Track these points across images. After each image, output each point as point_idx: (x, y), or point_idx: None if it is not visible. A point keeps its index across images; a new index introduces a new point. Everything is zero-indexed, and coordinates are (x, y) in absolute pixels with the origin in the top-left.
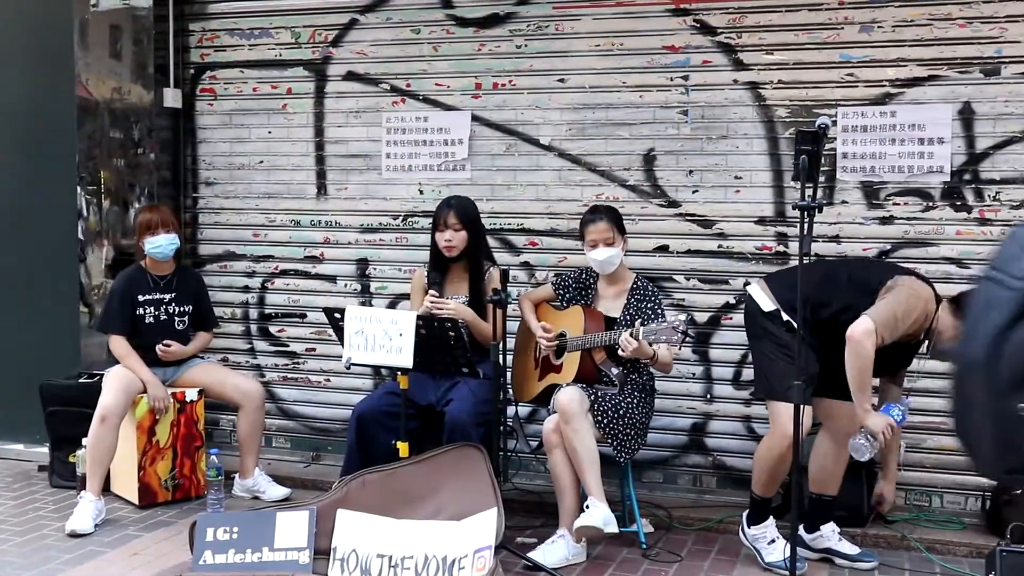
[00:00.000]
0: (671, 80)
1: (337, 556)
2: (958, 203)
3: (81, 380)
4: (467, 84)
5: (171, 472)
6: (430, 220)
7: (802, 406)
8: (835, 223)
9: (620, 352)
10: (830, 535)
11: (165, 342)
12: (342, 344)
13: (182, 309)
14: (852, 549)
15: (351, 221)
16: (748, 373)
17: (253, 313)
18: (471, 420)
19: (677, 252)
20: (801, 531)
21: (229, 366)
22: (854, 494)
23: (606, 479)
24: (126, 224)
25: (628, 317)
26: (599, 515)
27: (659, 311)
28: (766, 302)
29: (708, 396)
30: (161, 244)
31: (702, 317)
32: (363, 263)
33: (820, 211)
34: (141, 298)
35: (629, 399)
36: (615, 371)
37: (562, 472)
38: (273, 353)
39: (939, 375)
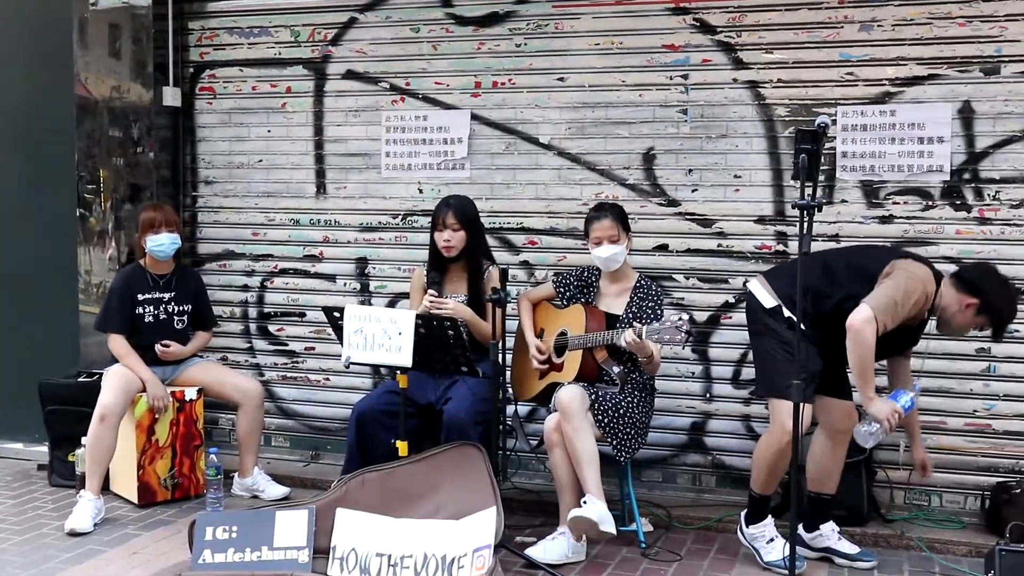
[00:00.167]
0: (671, 79)
1: (336, 555)
2: (958, 202)
3: (80, 379)
4: (466, 83)
5: (170, 471)
6: (429, 219)
7: (802, 404)
8: (835, 222)
9: (623, 344)
10: (829, 534)
11: (164, 342)
12: (341, 343)
13: (181, 308)
14: (851, 548)
15: (350, 220)
16: (747, 372)
17: (252, 312)
18: (469, 419)
19: (676, 251)
20: (800, 530)
21: (228, 365)
22: (854, 493)
23: (605, 478)
24: (125, 223)
25: (630, 316)
26: (595, 510)
27: (659, 312)
28: (767, 298)
29: (707, 395)
30: (163, 243)
31: (701, 316)
32: (362, 262)
33: (820, 210)
34: (140, 297)
35: (629, 398)
36: (616, 370)
37: (563, 471)
38: (272, 352)
39: (939, 375)
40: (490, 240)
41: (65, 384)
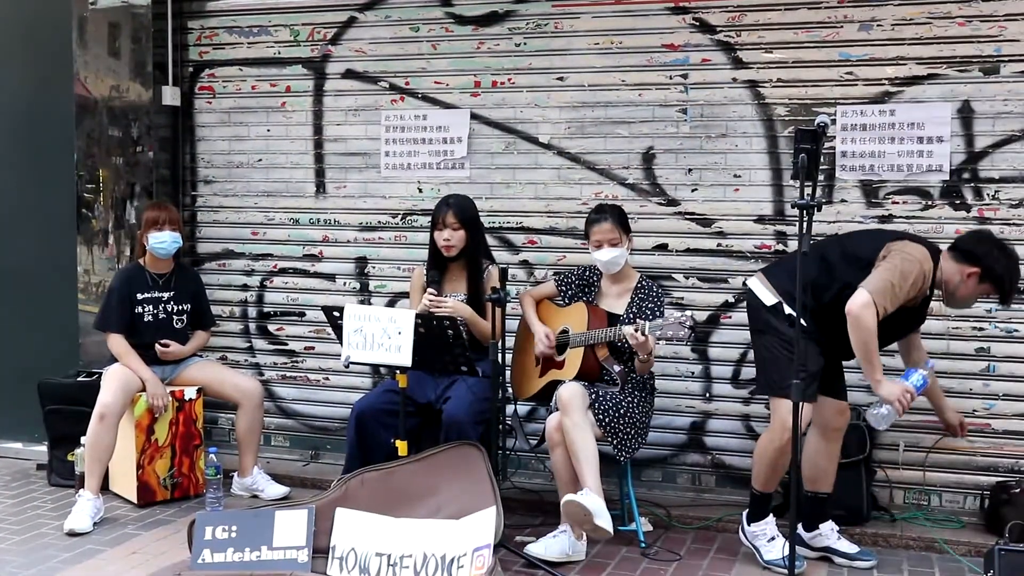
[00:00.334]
0: (670, 78)
1: (336, 555)
2: (957, 202)
3: (80, 378)
4: (466, 82)
5: (170, 471)
6: (429, 218)
7: (801, 403)
8: (834, 222)
9: (627, 338)
10: (829, 533)
11: (164, 341)
12: (341, 343)
13: (180, 308)
14: (851, 548)
15: (350, 219)
16: (747, 372)
17: (252, 312)
18: (468, 418)
19: (676, 251)
20: (800, 530)
21: (228, 364)
22: (853, 493)
23: (605, 477)
24: (125, 222)
25: (631, 316)
26: (590, 500)
27: (660, 312)
28: (768, 296)
29: (707, 395)
30: (165, 241)
31: (701, 316)
32: (362, 261)
33: (819, 210)
34: (140, 296)
35: (630, 398)
36: (617, 369)
37: (563, 470)
38: (272, 352)
39: (939, 374)
40: (490, 239)
41: (64, 383)
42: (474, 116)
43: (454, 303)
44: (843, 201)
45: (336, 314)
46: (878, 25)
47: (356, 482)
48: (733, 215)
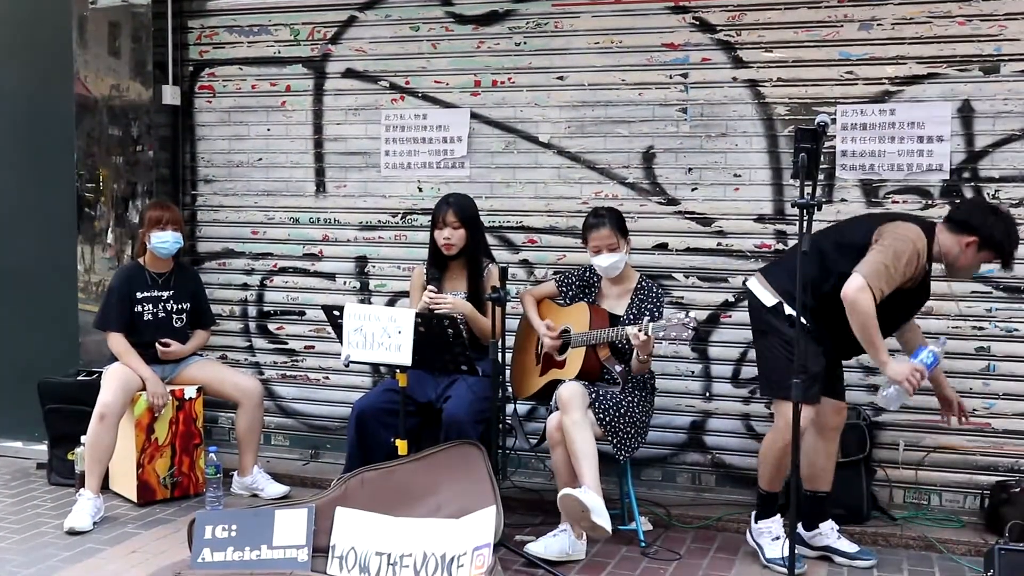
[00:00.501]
0: (670, 78)
1: (336, 554)
2: (957, 201)
3: (80, 378)
4: (466, 81)
5: (170, 470)
6: (429, 217)
7: (803, 403)
8: (834, 221)
9: (633, 342)
10: (828, 533)
11: (164, 340)
12: (341, 342)
13: (180, 307)
14: (851, 547)
15: (350, 219)
16: (747, 371)
17: (252, 311)
18: (468, 418)
19: (676, 250)
20: (800, 529)
21: (228, 364)
22: (853, 492)
23: (605, 477)
24: (125, 221)
25: (632, 316)
26: (588, 497)
27: (659, 312)
28: (767, 297)
29: (707, 394)
30: (167, 240)
31: (701, 315)
32: (362, 261)
33: (819, 209)
34: (139, 295)
35: (630, 397)
36: (619, 368)
37: (564, 469)
38: (272, 351)
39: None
40: (490, 239)
41: (64, 383)
42: (474, 115)
43: (454, 300)
44: (843, 200)
45: (336, 313)
46: (878, 24)
47: (356, 481)
48: (733, 214)
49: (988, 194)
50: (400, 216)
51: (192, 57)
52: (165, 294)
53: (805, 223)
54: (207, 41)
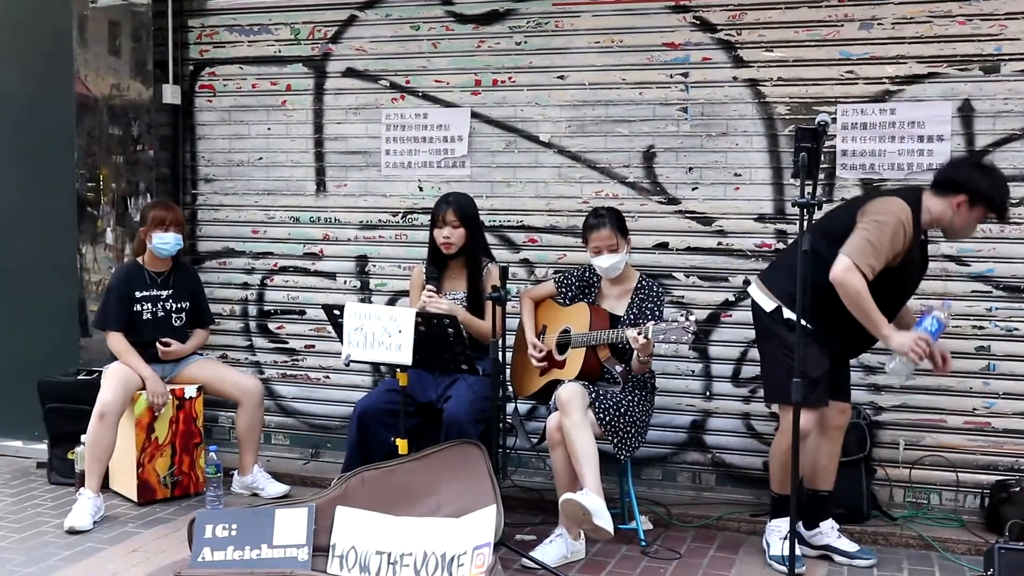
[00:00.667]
0: (671, 77)
1: (336, 553)
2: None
3: (80, 377)
4: (466, 81)
5: (170, 469)
6: (429, 217)
7: (805, 405)
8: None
9: (633, 345)
10: (829, 532)
11: (164, 340)
12: (341, 341)
13: (179, 306)
14: (851, 547)
15: (350, 218)
16: (747, 371)
17: (252, 310)
18: (469, 417)
19: (676, 249)
20: (800, 528)
21: (228, 363)
22: (853, 491)
23: (605, 476)
24: (126, 221)
25: (632, 316)
26: (589, 500)
27: (659, 312)
28: (766, 301)
29: (707, 393)
30: (168, 242)
31: (702, 314)
32: (362, 260)
33: (820, 208)
34: (138, 294)
35: (630, 397)
36: (619, 369)
37: (563, 469)
38: (272, 350)
39: (938, 373)
40: (490, 238)
41: (64, 382)
42: (474, 115)
43: (449, 304)
44: (844, 200)
45: (336, 312)
46: (878, 24)
47: (356, 480)
48: (733, 214)
49: None
50: (400, 215)
51: (192, 56)
52: (164, 293)
53: (805, 222)
54: (207, 40)
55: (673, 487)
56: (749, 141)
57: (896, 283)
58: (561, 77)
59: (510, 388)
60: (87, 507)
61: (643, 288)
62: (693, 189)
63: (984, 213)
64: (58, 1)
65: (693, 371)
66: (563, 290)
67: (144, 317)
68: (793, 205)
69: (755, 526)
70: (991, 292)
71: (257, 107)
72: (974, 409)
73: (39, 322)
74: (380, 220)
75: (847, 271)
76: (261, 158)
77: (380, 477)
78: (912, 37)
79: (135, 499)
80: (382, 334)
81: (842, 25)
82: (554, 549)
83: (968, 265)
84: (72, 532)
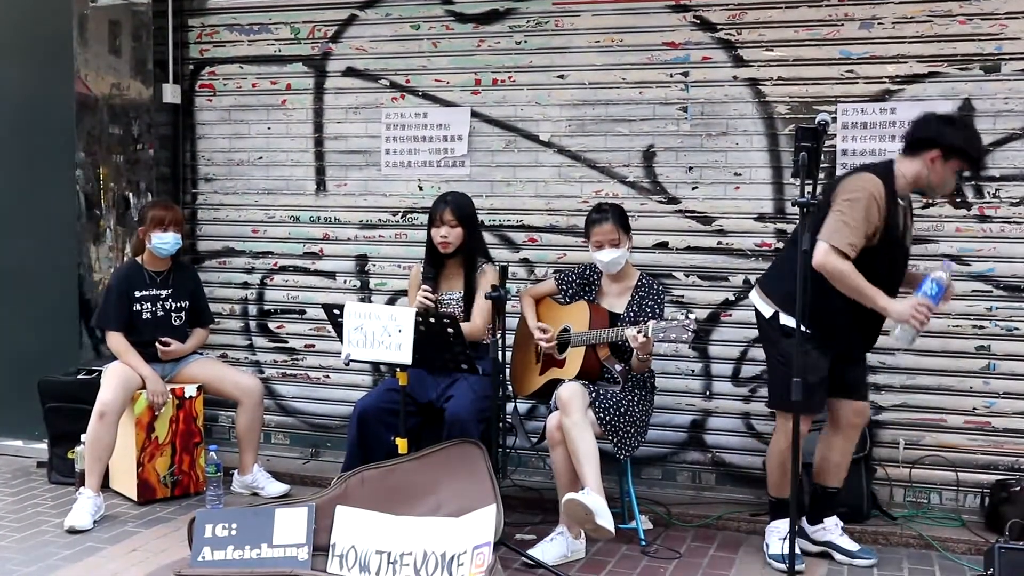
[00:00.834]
0: (671, 76)
1: (336, 552)
2: (958, 200)
3: (80, 376)
4: (466, 80)
5: (170, 468)
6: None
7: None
8: None
9: (632, 344)
10: (832, 529)
11: (164, 340)
12: (341, 341)
13: (179, 305)
14: (852, 545)
15: (350, 217)
16: (747, 370)
17: (252, 309)
18: (471, 417)
19: (676, 249)
20: (804, 522)
21: (228, 362)
22: (853, 490)
23: (605, 475)
24: (126, 220)
25: (632, 314)
26: (591, 499)
27: (660, 311)
28: (764, 307)
29: (707, 393)
30: (168, 242)
31: (702, 314)
32: (362, 259)
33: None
34: (138, 294)
35: (630, 396)
36: (619, 368)
37: (564, 469)
38: (272, 349)
39: (939, 372)
40: (490, 238)
41: (64, 381)
42: (474, 114)
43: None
44: None
45: (336, 312)
46: (879, 23)
47: (356, 480)
48: (734, 213)
49: (988, 192)
50: (400, 215)
51: (192, 56)
52: (163, 292)
53: (806, 222)
54: (207, 40)
55: (673, 487)
56: (749, 140)
57: (886, 256)
58: (561, 76)
59: (510, 388)
60: (87, 506)
61: (643, 286)
62: (693, 188)
63: (959, 166)
64: (58, 1)
65: (693, 371)
66: (563, 288)
67: (144, 316)
68: (793, 204)
69: (755, 526)
70: (991, 292)
71: (257, 106)
72: (974, 409)
73: (39, 322)
74: (380, 220)
75: (826, 255)
76: (261, 157)
77: (380, 476)
78: (912, 36)
79: (135, 498)
80: (382, 333)
81: (842, 24)
82: (555, 547)
83: (968, 265)
84: (72, 531)
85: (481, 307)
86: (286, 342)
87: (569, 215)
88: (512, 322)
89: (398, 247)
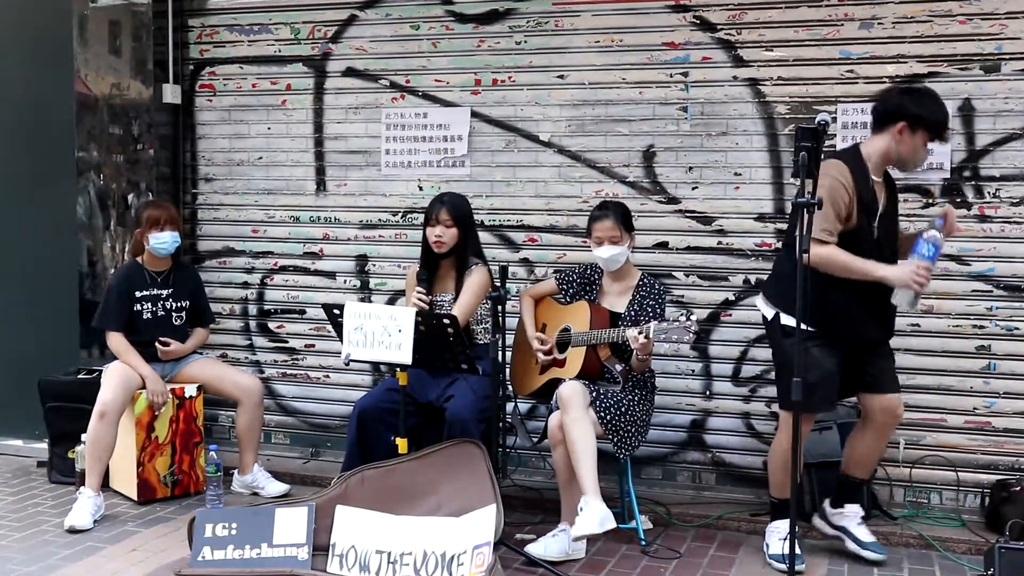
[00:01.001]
0: (671, 76)
1: (336, 552)
2: (958, 200)
3: (80, 376)
4: (466, 80)
5: (170, 468)
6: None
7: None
8: None
9: (632, 345)
10: (851, 515)
11: (164, 340)
12: (341, 340)
13: (179, 305)
14: (866, 537)
15: (350, 217)
16: (747, 370)
17: (252, 309)
18: (472, 416)
19: (677, 248)
20: (826, 504)
21: (228, 362)
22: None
23: (605, 475)
24: (126, 220)
25: (632, 314)
26: (595, 517)
27: (660, 310)
28: (767, 309)
29: (707, 393)
30: (166, 241)
31: (702, 313)
32: (362, 259)
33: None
34: (139, 294)
35: (630, 396)
36: (619, 368)
37: (565, 468)
38: (272, 349)
39: (939, 372)
40: (490, 238)
41: (65, 381)
42: (474, 114)
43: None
44: None
45: (336, 312)
46: (879, 23)
47: (356, 480)
48: (733, 213)
49: (989, 192)
50: (400, 215)
51: (193, 56)
52: (164, 292)
53: (805, 222)
54: (207, 40)
55: (673, 486)
56: (749, 140)
57: (869, 234)
58: (561, 76)
59: (510, 387)
60: (87, 506)
61: (644, 286)
62: (693, 188)
63: (927, 137)
64: (58, 1)
65: (693, 370)
66: (564, 288)
67: (144, 316)
68: (793, 204)
69: (755, 525)
70: (991, 291)
71: (257, 107)
72: (974, 408)
73: (39, 322)
74: (380, 219)
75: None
76: (261, 157)
77: (380, 476)
78: (912, 36)
79: (135, 498)
80: (382, 333)
81: (842, 24)
82: (557, 543)
83: (968, 264)
84: (72, 531)
85: (467, 295)
86: (286, 342)
87: (569, 215)
88: (512, 322)
89: (398, 247)
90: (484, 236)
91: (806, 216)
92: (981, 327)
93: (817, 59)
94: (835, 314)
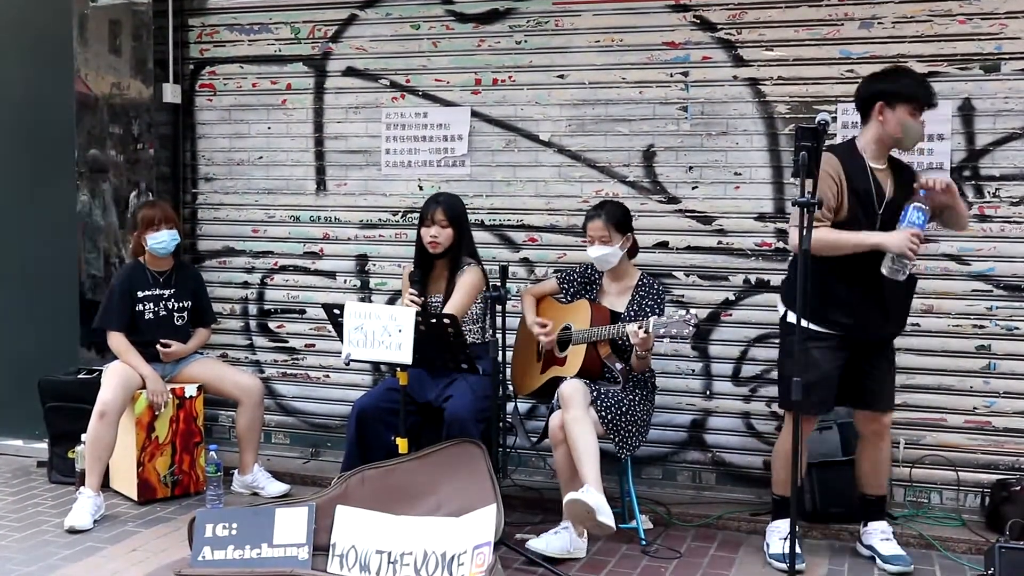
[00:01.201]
0: (671, 76)
1: (336, 552)
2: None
3: (80, 376)
4: (467, 80)
5: (170, 468)
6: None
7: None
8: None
9: (632, 340)
10: (873, 532)
11: (164, 341)
12: (341, 340)
13: (181, 305)
14: (887, 551)
15: (350, 217)
16: (748, 370)
17: (252, 309)
18: (471, 416)
19: (677, 248)
20: (860, 527)
21: (228, 362)
22: (853, 490)
23: (606, 475)
24: (126, 220)
25: (632, 313)
26: (592, 497)
27: (660, 310)
28: (781, 308)
29: (707, 393)
30: (164, 240)
31: (702, 313)
32: (362, 259)
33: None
34: (140, 294)
35: (631, 396)
36: (619, 366)
37: (566, 467)
38: (272, 349)
39: (939, 372)
40: (490, 237)
41: (65, 381)
42: (475, 114)
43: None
44: None
45: (336, 312)
46: (879, 23)
47: (356, 480)
48: (734, 213)
49: (989, 192)
50: (400, 214)
51: (193, 55)
52: (166, 292)
53: (805, 222)
54: (208, 39)
55: (673, 486)
56: (749, 140)
57: (872, 222)
58: (561, 76)
59: (510, 387)
60: (87, 506)
61: (644, 286)
62: (693, 188)
63: (909, 111)
64: (58, 1)
65: (693, 370)
66: (565, 287)
67: (146, 317)
68: (793, 204)
69: (755, 525)
70: (991, 291)
71: (257, 106)
72: (974, 408)
73: (39, 322)
74: (380, 219)
75: (797, 231)
76: (261, 157)
77: (380, 476)
78: (912, 36)
79: (135, 498)
80: (382, 333)
81: (842, 24)
82: (558, 540)
83: (968, 264)
84: (72, 531)
85: (459, 295)
86: (286, 342)
87: (569, 215)
88: (512, 322)
89: (398, 247)
90: (484, 236)
91: (806, 216)
92: (981, 327)
93: (817, 59)
94: (839, 308)
